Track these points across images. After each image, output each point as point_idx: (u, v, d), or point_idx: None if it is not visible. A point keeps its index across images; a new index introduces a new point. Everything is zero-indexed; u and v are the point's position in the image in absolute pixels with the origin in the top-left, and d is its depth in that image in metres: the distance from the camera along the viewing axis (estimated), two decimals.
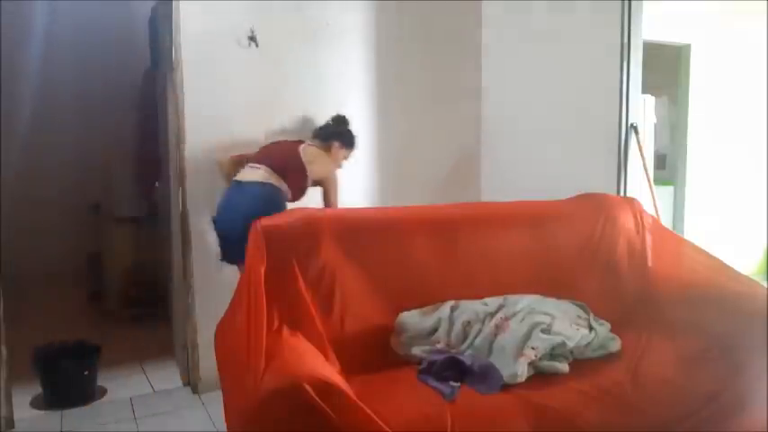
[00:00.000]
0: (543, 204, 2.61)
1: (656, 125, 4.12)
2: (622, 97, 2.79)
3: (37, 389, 2.81)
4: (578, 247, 2.47)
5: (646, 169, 2.87)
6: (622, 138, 2.82)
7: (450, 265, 2.29)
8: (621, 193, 2.83)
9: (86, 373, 2.84)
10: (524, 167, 3.27)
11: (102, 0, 5.00)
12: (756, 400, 1.84)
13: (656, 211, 2.83)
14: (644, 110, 3.16)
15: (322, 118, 2.97)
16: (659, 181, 3.86)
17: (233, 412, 1.76)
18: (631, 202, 2.63)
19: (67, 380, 2.79)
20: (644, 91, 2.91)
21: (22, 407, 2.68)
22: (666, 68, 4.49)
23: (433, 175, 3.41)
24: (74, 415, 2.67)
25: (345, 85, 3.16)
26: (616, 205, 2.59)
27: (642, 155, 2.85)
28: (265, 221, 2.05)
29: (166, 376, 3.08)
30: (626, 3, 2.74)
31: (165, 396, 2.88)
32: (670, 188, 4.57)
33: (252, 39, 2.88)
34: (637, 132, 2.84)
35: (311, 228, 2.11)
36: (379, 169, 3.29)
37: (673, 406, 1.80)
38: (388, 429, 1.49)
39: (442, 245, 2.30)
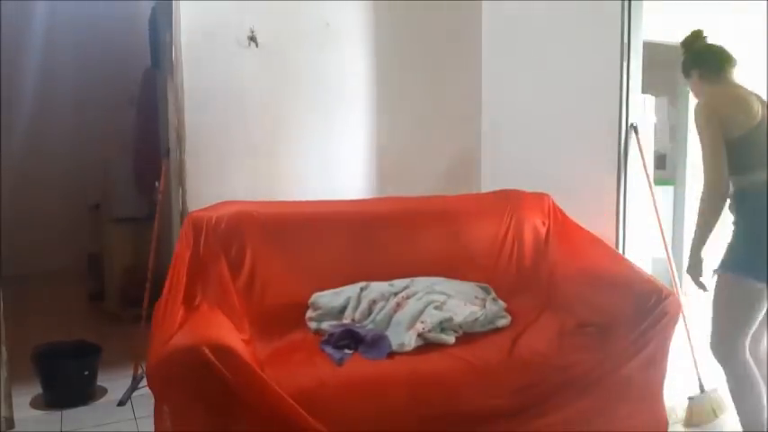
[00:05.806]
0: (457, 199, 2.94)
1: (656, 125, 4.12)
2: (622, 97, 2.80)
3: (37, 389, 2.81)
4: (489, 236, 2.76)
5: (646, 169, 2.87)
6: (622, 138, 2.82)
7: (365, 253, 2.57)
8: (622, 193, 2.85)
9: (86, 373, 2.84)
10: (524, 167, 3.27)
11: (103, 0, 5.00)
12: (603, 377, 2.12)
13: (656, 211, 2.83)
14: (644, 110, 3.16)
15: (322, 117, 2.98)
16: (659, 181, 3.85)
17: (147, 372, 1.89)
18: (542, 197, 2.86)
19: (67, 380, 2.79)
20: (644, 91, 2.91)
21: (22, 407, 2.68)
22: (666, 68, 4.49)
23: (434, 174, 3.41)
24: (74, 415, 2.67)
25: (345, 84, 3.16)
26: (527, 199, 2.87)
27: (642, 155, 2.86)
28: (197, 213, 2.37)
29: None
30: (626, 3, 2.74)
31: None
32: (670, 188, 4.56)
33: (252, 39, 2.88)
34: (637, 132, 2.84)
35: (238, 218, 2.38)
36: (379, 169, 3.29)
37: (536, 373, 2.08)
38: (276, 387, 1.71)
39: (359, 234, 2.59)
